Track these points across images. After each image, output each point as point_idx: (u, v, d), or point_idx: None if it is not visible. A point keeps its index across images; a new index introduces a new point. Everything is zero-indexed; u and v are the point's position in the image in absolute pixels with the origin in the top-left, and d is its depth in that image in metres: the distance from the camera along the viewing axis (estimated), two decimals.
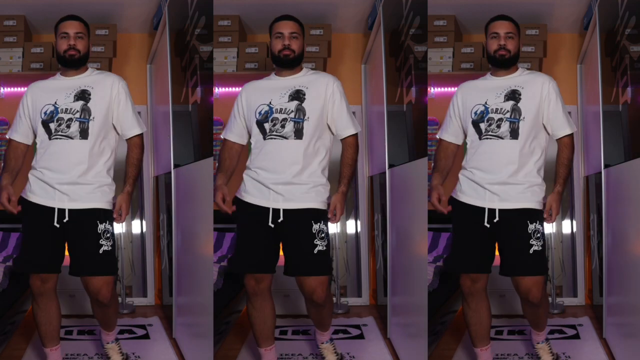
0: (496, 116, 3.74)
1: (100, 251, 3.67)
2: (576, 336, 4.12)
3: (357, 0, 4.54)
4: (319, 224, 3.74)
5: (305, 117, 3.73)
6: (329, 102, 3.78)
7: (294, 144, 3.73)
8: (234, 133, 3.81)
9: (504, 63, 3.79)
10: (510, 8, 3.96)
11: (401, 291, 3.99)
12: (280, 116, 3.72)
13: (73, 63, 3.77)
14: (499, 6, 4.03)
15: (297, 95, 3.76)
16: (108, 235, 3.71)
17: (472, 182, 3.76)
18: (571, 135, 3.80)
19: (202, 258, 3.79)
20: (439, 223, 4.39)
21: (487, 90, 3.81)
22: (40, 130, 3.74)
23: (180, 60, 4.33)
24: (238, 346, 3.97)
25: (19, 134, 3.84)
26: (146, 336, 4.12)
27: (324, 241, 3.74)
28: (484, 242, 3.74)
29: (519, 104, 3.75)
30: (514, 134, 3.72)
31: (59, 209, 3.70)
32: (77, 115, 3.73)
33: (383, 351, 3.97)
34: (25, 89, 3.76)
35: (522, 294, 3.73)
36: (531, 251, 3.69)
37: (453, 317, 4.28)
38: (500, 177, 3.72)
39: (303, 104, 3.74)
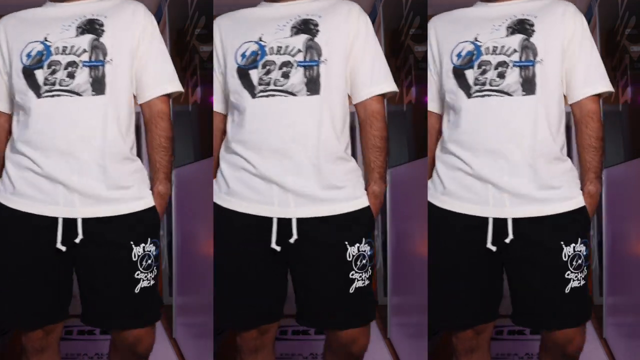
0: (495, 59, 2.36)
1: (137, 289, 2.38)
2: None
3: (357, 1, 4.53)
4: (357, 244, 2.37)
5: (322, 59, 2.38)
6: (351, 39, 2.45)
7: (307, 103, 2.37)
8: (217, 100, 2.67)
9: None
10: None
11: (401, 291, 3.99)
12: (279, 59, 2.38)
13: None
14: None
15: (306, 27, 2.41)
16: (150, 261, 2.39)
17: (461, 173, 2.38)
18: (598, 99, 2.44)
19: (202, 258, 3.79)
20: None
21: (478, 21, 2.46)
22: (21, 84, 2.34)
23: (180, 60, 4.32)
24: None
25: None
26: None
27: (365, 271, 2.40)
28: (487, 277, 2.42)
29: (532, 39, 2.38)
30: (529, 85, 2.34)
31: (65, 221, 2.32)
32: (85, 57, 2.34)
33: (383, 351, 3.97)
34: None
35: (554, 347, 2.52)
36: (568, 289, 2.37)
37: None
38: (513, 160, 2.34)
39: (316, 39, 2.40)
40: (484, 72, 2.40)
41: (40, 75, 2.35)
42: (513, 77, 2.37)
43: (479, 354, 2.61)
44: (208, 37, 4.20)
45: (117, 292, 2.40)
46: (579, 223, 2.43)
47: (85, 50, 2.37)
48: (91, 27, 2.40)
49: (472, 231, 2.41)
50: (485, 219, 2.38)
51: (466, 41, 2.43)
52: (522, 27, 2.41)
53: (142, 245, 2.40)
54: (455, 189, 2.41)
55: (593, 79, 2.44)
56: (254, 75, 2.42)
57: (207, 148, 4.12)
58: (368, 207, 2.46)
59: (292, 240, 2.38)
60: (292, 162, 2.39)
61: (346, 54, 2.44)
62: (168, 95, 2.59)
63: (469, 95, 2.40)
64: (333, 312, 2.44)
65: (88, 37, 2.38)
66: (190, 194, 4.01)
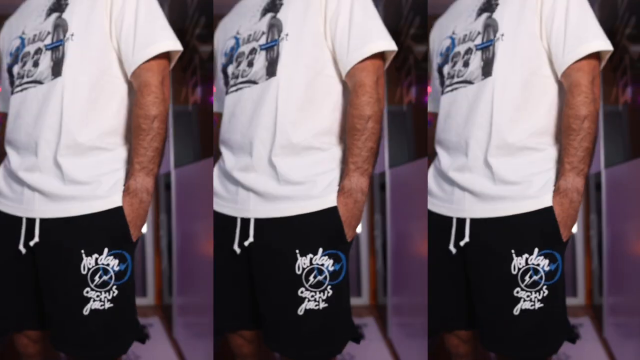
0: (464, 47, 2.09)
1: (86, 311, 1.98)
2: (576, 336, 4.12)
3: None
4: (310, 255, 1.98)
5: (282, 36, 2.04)
6: (323, 4, 2.06)
7: (265, 89, 2.07)
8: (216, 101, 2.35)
9: None
10: None
11: (401, 291, 3.99)
12: (247, 48, 2.12)
13: None
14: None
15: (272, 5, 2.12)
16: (106, 277, 1.98)
17: (435, 172, 2.17)
18: (587, 67, 1.94)
19: (202, 258, 3.79)
20: None
21: (457, 13, 2.22)
22: (7, 84, 2.16)
23: (180, 60, 4.32)
24: None
25: None
26: (146, 336, 4.11)
27: (321, 291, 1.99)
28: (459, 281, 2.12)
29: (493, 15, 2.04)
30: (488, 68, 2.01)
31: (27, 221, 2.05)
32: (48, 39, 2.05)
33: (383, 351, 3.97)
34: None
35: None
36: (517, 311, 1.99)
37: None
38: (470, 155, 2.03)
39: (278, 15, 2.08)
40: (454, 65, 2.13)
41: (15, 71, 2.13)
42: (476, 62, 2.06)
43: None
44: (208, 37, 4.20)
45: (61, 309, 2.03)
46: (540, 229, 2.00)
47: (48, 33, 2.07)
48: (58, 5, 2.09)
49: (443, 232, 2.13)
50: (451, 219, 2.11)
51: (445, 37, 2.19)
52: (488, 5, 2.09)
53: (95, 256, 1.99)
54: (432, 188, 2.17)
55: (574, 42, 1.96)
56: (230, 71, 2.21)
57: (207, 148, 4.12)
58: (334, 210, 2.04)
59: (246, 243, 2.11)
60: (250, 157, 2.13)
61: (315, 23, 2.07)
62: (167, 59, 2.22)
63: (442, 92, 2.17)
64: (277, 334, 2.08)
65: (52, 17, 2.06)
66: (190, 194, 4.01)
